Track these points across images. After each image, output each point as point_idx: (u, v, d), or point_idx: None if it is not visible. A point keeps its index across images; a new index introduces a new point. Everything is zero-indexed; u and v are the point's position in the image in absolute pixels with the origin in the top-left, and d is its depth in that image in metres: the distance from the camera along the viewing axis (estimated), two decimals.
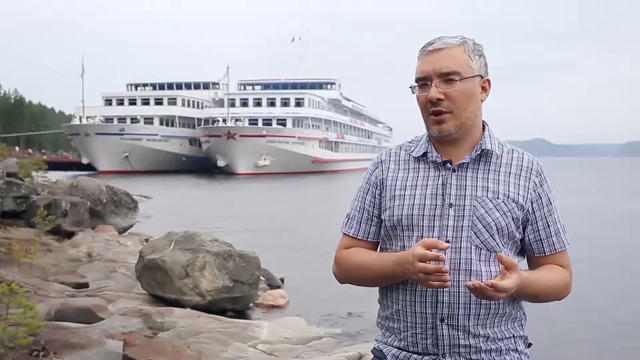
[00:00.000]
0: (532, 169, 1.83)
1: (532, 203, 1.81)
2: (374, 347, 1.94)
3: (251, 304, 7.92)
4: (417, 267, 1.65)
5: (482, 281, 1.65)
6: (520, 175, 1.82)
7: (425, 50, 1.81)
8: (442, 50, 1.78)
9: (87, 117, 60.97)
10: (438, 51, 1.78)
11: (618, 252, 13.36)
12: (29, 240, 10.03)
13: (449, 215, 1.77)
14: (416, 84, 1.82)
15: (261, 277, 8.52)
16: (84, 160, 60.70)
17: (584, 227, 15.15)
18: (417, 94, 1.82)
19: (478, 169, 1.81)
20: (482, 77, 1.82)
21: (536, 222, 1.82)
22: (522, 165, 1.83)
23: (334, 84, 74.22)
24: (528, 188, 1.81)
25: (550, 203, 1.84)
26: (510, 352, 1.82)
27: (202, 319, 6.19)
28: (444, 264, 1.66)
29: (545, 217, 1.83)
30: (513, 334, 1.83)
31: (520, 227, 1.82)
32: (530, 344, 1.90)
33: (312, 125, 65.67)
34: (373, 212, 1.90)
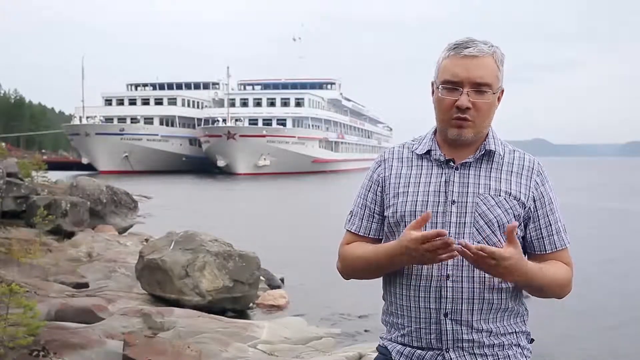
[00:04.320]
0: (533, 169, 1.85)
1: (534, 201, 1.83)
2: (379, 344, 1.95)
3: (251, 304, 7.92)
4: (422, 248, 1.65)
5: (477, 251, 1.64)
6: (522, 174, 1.84)
7: (459, 52, 1.77)
8: (477, 58, 1.76)
9: (87, 117, 60.94)
10: (473, 58, 1.76)
11: (619, 250, 13.36)
12: (29, 240, 10.03)
13: (451, 212, 1.79)
14: (442, 84, 1.80)
15: (261, 277, 8.52)
16: (84, 160, 60.65)
17: (583, 226, 15.15)
18: (441, 95, 1.80)
19: (481, 167, 1.83)
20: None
21: (538, 220, 1.84)
22: (523, 165, 1.86)
23: (334, 84, 74.22)
24: (529, 187, 1.83)
25: (552, 202, 1.86)
26: (513, 347, 1.83)
27: (202, 319, 6.19)
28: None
29: (547, 216, 1.85)
30: (515, 330, 1.85)
31: (522, 224, 1.83)
32: (532, 340, 1.91)
33: (312, 125, 65.65)
34: (375, 209, 1.92)
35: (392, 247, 1.76)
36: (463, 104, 1.75)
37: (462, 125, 1.78)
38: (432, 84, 1.85)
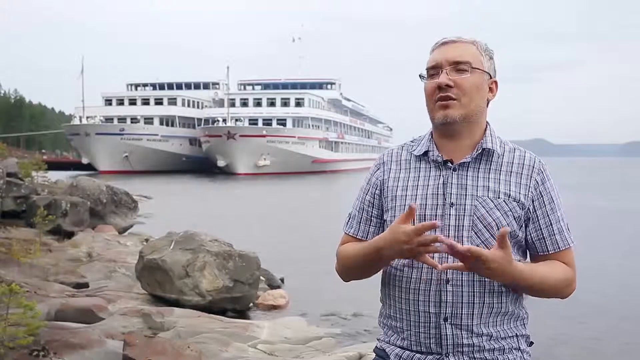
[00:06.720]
0: (533, 167, 1.82)
1: (533, 201, 1.80)
2: (377, 347, 1.94)
3: (251, 304, 7.91)
4: (416, 241, 1.64)
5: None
6: (521, 174, 1.81)
7: (438, 43, 1.86)
8: (455, 43, 1.83)
9: (87, 117, 60.94)
10: (451, 43, 1.83)
11: (617, 250, 13.35)
12: (29, 240, 10.04)
13: (450, 214, 1.77)
14: (426, 73, 1.84)
15: (261, 277, 8.52)
16: (84, 160, 60.66)
17: (582, 226, 15.14)
18: (425, 82, 1.84)
19: (479, 168, 1.81)
20: (490, 77, 1.84)
21: (538, 221, 1.81)
22: (523, 164, 1.82)
23: (334, 84, 74.20)
24: (529, 186, 1.80)
25: (553, 201, 1.83)
26: (513, 350, 1.82)
27: (202, 319, 6.19)
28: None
29: (548, 215, 1.81)
30: (516, 333, 1.83)
31: (523, 226, 1.81)
32: (531, 343, 1.90)
33: (312, 125, 65.65)
34: (372, 212, 1.92)
35: (380, 240, 1.74)
36: (443, 82, 1.77)
37: (447, 105, 1.77)
38: (421, 77, 1.87)
